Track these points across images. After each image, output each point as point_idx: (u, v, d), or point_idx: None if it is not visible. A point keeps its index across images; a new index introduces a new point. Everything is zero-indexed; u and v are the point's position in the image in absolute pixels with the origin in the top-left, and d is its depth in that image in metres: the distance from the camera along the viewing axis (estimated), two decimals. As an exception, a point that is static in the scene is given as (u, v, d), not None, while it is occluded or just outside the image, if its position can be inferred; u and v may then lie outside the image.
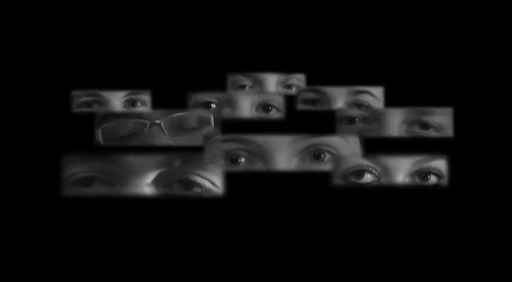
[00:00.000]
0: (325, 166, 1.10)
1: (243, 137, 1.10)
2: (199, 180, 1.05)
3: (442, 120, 1.20)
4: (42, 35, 1.24)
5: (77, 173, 1.05)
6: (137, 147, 1.12)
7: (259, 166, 1.10)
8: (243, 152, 1.10)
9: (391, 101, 1.24)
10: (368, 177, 1.09)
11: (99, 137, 1.16)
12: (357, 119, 1.22)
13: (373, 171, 1.08)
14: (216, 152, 1.09)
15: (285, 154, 1.09)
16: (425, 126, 1.21)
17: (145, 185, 1.04)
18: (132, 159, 1.04)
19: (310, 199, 1.10)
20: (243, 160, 1.10)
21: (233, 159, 1.10)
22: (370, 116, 1.22)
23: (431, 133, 1.21)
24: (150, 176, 1.05)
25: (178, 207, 1.08)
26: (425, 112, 1.21)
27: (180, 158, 1.05)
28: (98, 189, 1.05)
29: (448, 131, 1.21)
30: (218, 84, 1.26)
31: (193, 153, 1.06)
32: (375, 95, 1.26)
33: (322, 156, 1.09)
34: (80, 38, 1.24)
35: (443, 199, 1.10)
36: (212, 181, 1.06)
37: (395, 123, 1.21)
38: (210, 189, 1.06)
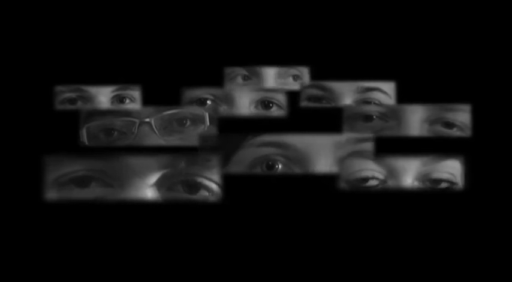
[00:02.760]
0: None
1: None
2: (206, 182, 1.05)
3: (465, 119, 1.17)
4: (23, 26, 1.22)
5: (72, 172, 1.04)
6: (126, 148, 1.12)
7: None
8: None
9: (403, 97, 1.21)
10: (373, 182, 1.08)
11: (84, 136, 1.15)
12: (374, 117, 1.19)
13: (378, 176, 1.08)
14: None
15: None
16: (449, 125, 1.18)
17: (147, 187, 1.03)
18: (133, 160, 1.04)
19: (314, 203, 1.10)
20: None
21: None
22: (387, 113, 1.19)
23: (455, 133, 1.18)
24: (153, 178, 1.04)
25: (176, 212, 1.08)
26: (448, 109, 1.18)
27: (185, 159, 1.05)
28: (94, 191, 1.04)
29: (467, 130, 1.18)
30: (214, 79, 1.24)
31: (197, 154, 1.07)
32: (386, 92, 1.23)
33: (277, 166, 1.08)
34: (64, 30, 1.22)
35: (459, 202, 1.10)
36: (218, 183, 1.05)
37: (416, 121, 1.18)
38: (216, 192, 1.05)
